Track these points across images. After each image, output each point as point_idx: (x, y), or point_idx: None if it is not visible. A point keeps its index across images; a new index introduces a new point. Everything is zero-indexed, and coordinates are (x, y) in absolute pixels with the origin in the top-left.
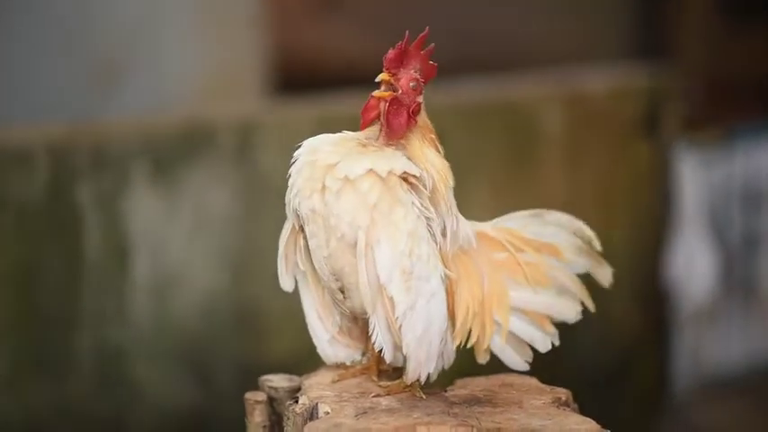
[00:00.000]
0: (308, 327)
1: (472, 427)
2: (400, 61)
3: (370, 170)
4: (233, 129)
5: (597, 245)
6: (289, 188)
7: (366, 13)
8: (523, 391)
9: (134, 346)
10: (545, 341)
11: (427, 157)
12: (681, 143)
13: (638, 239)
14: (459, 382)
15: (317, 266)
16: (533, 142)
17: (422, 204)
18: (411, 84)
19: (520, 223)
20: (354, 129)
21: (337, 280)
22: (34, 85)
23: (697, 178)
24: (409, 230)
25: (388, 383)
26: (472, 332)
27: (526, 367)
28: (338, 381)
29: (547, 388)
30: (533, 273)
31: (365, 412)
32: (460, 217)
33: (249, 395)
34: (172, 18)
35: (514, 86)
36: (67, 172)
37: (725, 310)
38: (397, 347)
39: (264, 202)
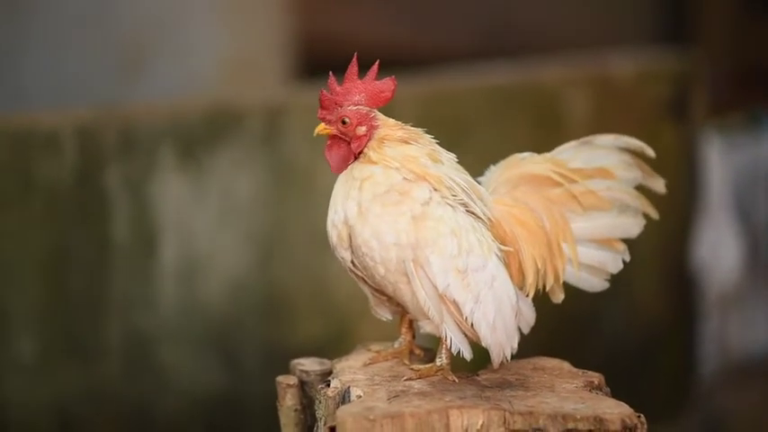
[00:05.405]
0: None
1: (504, 410)
2: (333, 102)
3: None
4: (260, 113)
5: (650, 152)
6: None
7: None
8: (555, 375)
9: (162, 330)
10: (616, 261)
11: (390, 157)
12: (707, 127)
13: (664, 224)
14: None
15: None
16: (560, 126)
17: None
18: (343, 121)
19: (570, 154)
20: (379, 110)
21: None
22: (62, 69)
23: (723, 162)
24: (451, 228)
25: (420, 367)
26: (547, 276)
27: (606, 285)
28: (370, 364)
29: (579, 372)
30: (589, 200)
31: (397, 396)
32: (461, 172)
33: (281, 379)
34: (198, 2)
35: (541, 70)
36: (95, 156)
37: (751, 293)
38: (472, 341)
39: (291, 186)
